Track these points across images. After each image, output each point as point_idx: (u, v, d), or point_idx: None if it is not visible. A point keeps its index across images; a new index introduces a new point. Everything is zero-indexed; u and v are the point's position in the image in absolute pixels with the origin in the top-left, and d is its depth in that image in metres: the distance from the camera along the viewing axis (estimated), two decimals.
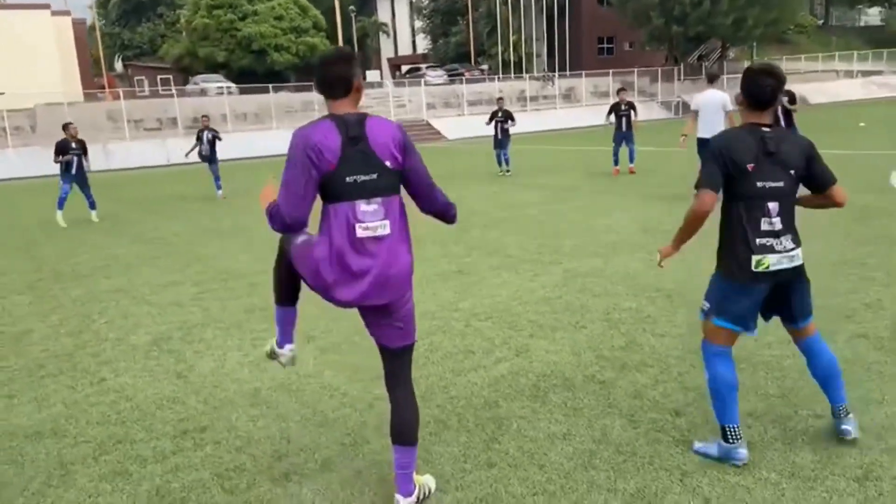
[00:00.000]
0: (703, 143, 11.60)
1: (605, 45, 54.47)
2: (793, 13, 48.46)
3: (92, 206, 13.22)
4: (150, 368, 5.15)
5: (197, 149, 16.08)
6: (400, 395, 3.12)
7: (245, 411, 4.29)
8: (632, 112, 15.41)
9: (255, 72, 46.27)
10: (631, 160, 15.58)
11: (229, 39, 46.65)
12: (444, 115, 38.35)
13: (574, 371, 4.57)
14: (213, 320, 6.25)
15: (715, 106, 11.50)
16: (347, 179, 2.76)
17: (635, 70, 44.11)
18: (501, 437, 3.71)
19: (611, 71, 43.79)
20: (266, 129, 33.86)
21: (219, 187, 16.06)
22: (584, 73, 42.66)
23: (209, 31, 46.93)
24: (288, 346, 3.41)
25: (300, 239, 2.97)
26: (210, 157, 16.04)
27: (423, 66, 47.16)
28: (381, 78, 61.72)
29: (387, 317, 2.97)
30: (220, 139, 16.30)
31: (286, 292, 3.25)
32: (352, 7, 58.55)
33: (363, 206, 2.78)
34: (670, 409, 3.92)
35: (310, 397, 4.44)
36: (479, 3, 50.05)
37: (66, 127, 12.75)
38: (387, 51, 69.98)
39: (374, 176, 2.80)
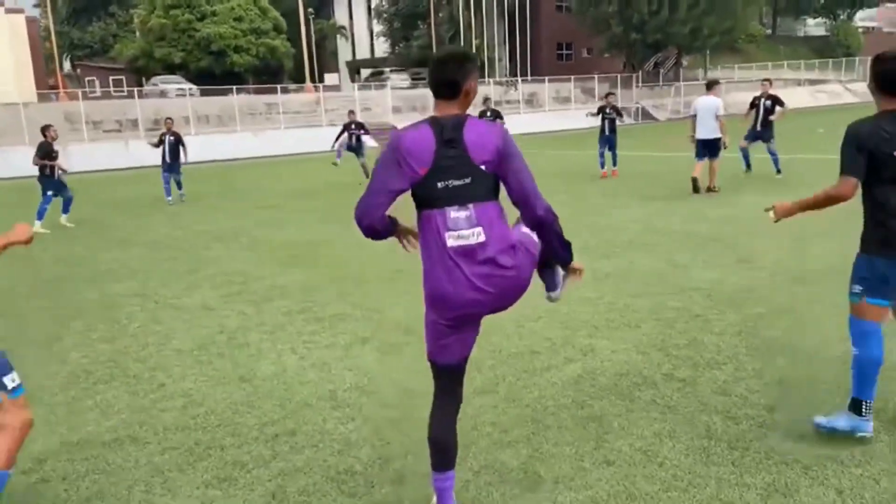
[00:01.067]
0: (699, 144, 12.11)
1: (564, 52, 55.17)
2: (745, 22, 49.88)
3: (66, 209, 12.69)
4: (207, 373, 5.02)
5: (160, 151, 15.61)
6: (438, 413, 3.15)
7: (329, 414, 4.22)
8: (616, 117, 15.63)
9: (213, 73, 45.49)
10: (614, 163, 15.77)
11: (187, 40, 45.76)
12: (411, 119, 38.14)
13: (650, 370, 4.62)
14: (253, 324, 6.12)
15: (709, 110, 12.01)
16: (439, 185, 2.68)
17: (595, 76, 44.82)
18: (607, 436, 3.73)
19: (572, 77, 44.38)
20: (230, 132, 33.32)
21: (179, 186, 15.67)
22: (546, 78, 43.11)
23: (166, 32, 45.96)
24: None
25: None
26: (172, 163, 15.59)
27: (386, 69, 47.03)
28: (339, 81, 61.50)
29: (471, 329, 2.90)
30: (183, 145, 15.82)
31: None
32: (310, 9, 58.10)
33: (454, 213, 2.68)
34: (763, 405, 3.99)
35: (390, 399, 4.39)
36: (440, 7, 50.17)
37: (46, 129, 12.27)
38: (344, 54, 69.58)
39: (468, 181, 2.69)
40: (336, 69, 65.62)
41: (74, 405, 4.59)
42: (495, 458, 3.57)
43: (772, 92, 13.99)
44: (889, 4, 75.75)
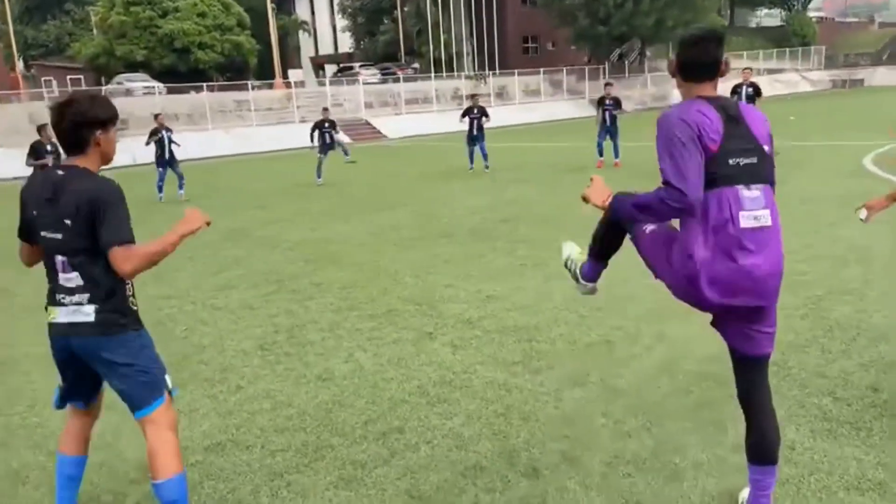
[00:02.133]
0: None
1: (530, 45, 55.36)
2: (706, 14, 50.61)
3: None
4: (281, 373, 4.91)
5: (157, 149, 15.26)
6: (758, 407, 2.80)
7: (428, 410, 4.16)
8: (616, 107, 15.69)
9: (177, 71, 44.57)
10: (616, 155, 15.82)
11: (149, 37, 44.66)
12: (382, 115, 38.01)
13: None
14: (307, 322, 6.01)
15: None
16: (730, 161, 2.53)
17: (564, 69, 45.06)
18: (727, 422, 3.71)
19: (541, 70, 44.55)
20: (201, 130, 32.71)
21: (181, 186, 15.42)
22: (516, 72, 43.21)
23: (126, 29, 44.76)
24: (591, 285, 3.27)
25: (650, 227, 2.78)
26: (171, 160, 15.31)
27: (356, 64, 46.64)
28: (303, 77, 60.74)
29: (758, 320, 2.66)
30: (175, 142, 15.50)
31: (602, 252, 3.15)
32: (272, 5, 57.41)
33: (745, 192, 2.52)
34: (865, 385, 4.05)
35: (485, 393, 4.34)
36: (406, 2, 49.91)
37: (42, 128, 11.95)
38: (307, 49, 68.84)
39: (755, 160, 2.57)
40: (299, 65, 64.82)
41: None
42: (623, 449, 3.55)
43: (753, 80, 14.27)
44: None
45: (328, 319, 6.04)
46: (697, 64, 2.65)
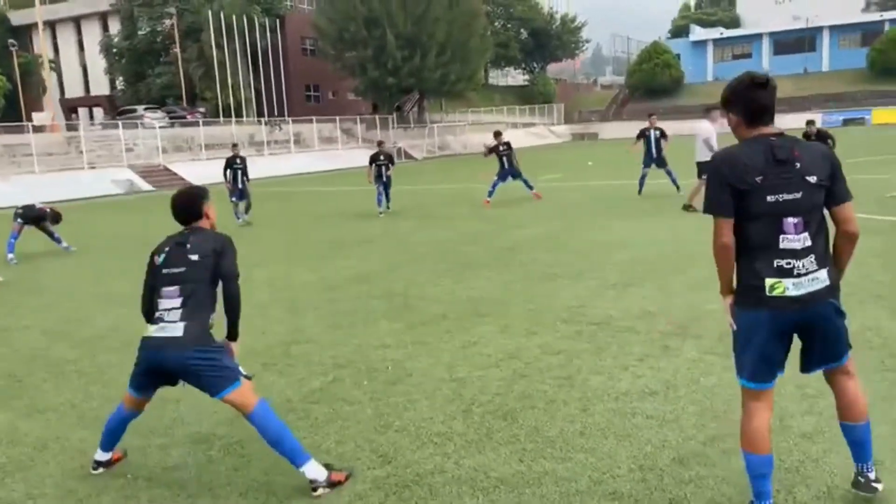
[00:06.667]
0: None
1: (313, 93, 55.58)
2: (479, 70, 54.86)
3: None
4: (573, 398, 4.75)
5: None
6: None
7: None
8: (511, 151, 16.69)
9: None
10: (530, 187, 16.97)
11: None
12: (179, 160, 35.68)
13: None
14: (561, 352, 5.79)
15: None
16: None
17: (357, 117, 45.94)
18: None
19: (337, 118, 44.99)
20: None
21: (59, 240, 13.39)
22: (314, 118, 43.12)
23: None
24: None
25: None
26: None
27: (139, 107, 43.12)
28: (53, 120, 54.62)
29: None
30: None
31: None
32: (12, 41, 51.43)
33: None
34: None
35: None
36: (185, 45, 47.53)
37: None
38: (54, 90, 62.18)
39: None
40: (42, 108, 58.24)
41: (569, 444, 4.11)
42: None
43: (657, 125, 16.00)
44: (569, 60, 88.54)
45: (583, 348, 5.78)
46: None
